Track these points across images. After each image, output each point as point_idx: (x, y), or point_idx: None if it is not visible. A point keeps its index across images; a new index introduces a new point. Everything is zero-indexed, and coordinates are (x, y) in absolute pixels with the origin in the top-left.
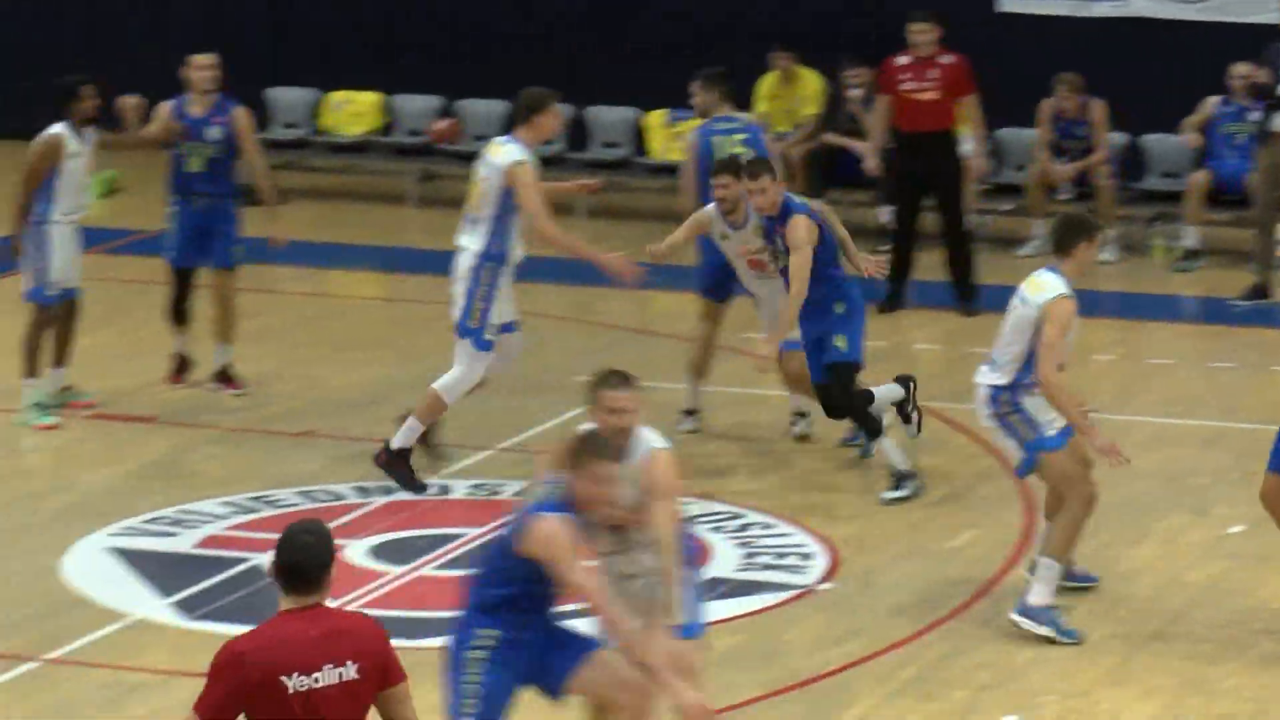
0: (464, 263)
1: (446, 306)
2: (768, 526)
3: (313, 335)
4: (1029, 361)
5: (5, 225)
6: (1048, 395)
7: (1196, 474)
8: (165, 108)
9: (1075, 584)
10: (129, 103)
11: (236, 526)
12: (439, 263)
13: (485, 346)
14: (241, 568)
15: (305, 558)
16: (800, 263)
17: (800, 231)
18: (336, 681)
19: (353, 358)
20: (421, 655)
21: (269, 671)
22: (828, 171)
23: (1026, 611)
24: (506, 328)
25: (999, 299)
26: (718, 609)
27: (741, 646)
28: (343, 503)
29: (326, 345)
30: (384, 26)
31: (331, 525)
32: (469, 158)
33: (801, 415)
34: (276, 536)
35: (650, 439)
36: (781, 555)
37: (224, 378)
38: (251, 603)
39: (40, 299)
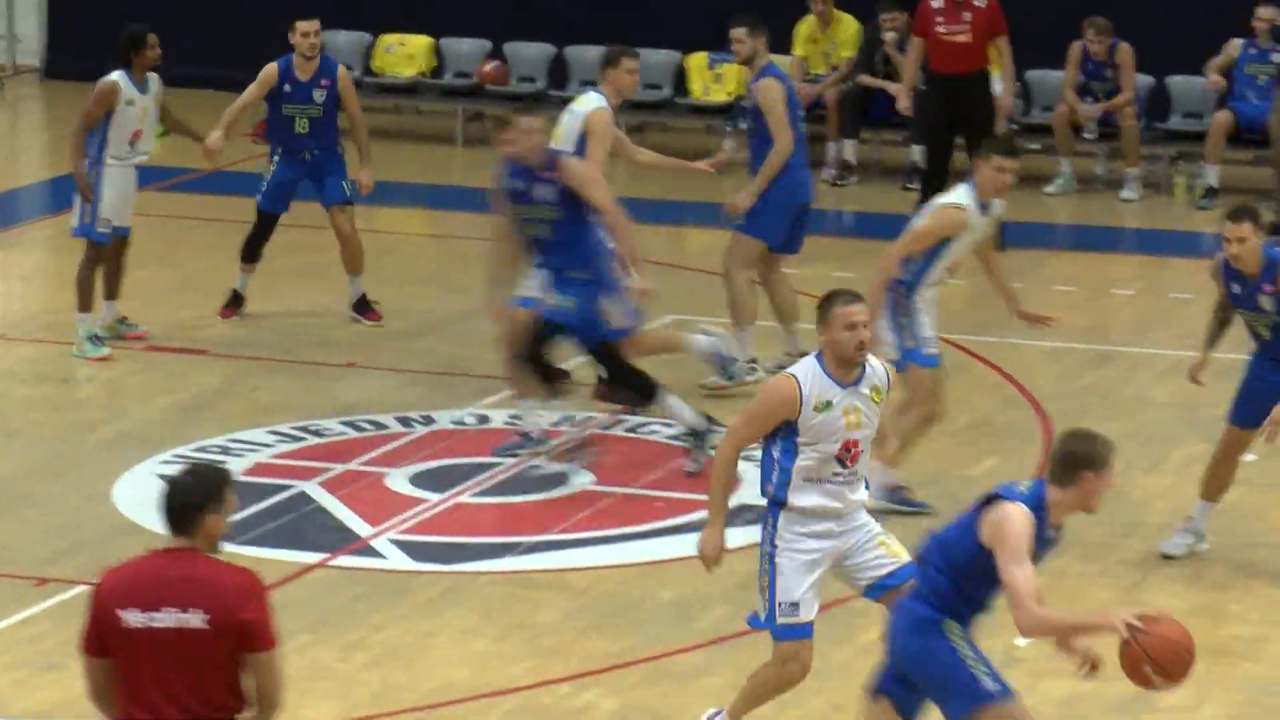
0: None
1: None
2: None
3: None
4: (927, 264)
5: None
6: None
7: (1212, 405)
8: (271, 70)
9: (908, 508)
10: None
11: (282, 455)
12: (484, 200)
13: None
14: (286, 494)
15: (179, 497)
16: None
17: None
18: (175, 626)
19: (401, 292)
20: (459, 579)
21: (109, 603)
22: (863, 112)
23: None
24: None
25: (1025, 235)
26: (741, 535)
27: None
28: (384, 432)
29: (375, 279)
30: None
31: (375, 453)
32: (515, 98)
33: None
34: (322, 465)
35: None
36: None
37: (362, 307)
38: (293, 528)
39: (92, 236)
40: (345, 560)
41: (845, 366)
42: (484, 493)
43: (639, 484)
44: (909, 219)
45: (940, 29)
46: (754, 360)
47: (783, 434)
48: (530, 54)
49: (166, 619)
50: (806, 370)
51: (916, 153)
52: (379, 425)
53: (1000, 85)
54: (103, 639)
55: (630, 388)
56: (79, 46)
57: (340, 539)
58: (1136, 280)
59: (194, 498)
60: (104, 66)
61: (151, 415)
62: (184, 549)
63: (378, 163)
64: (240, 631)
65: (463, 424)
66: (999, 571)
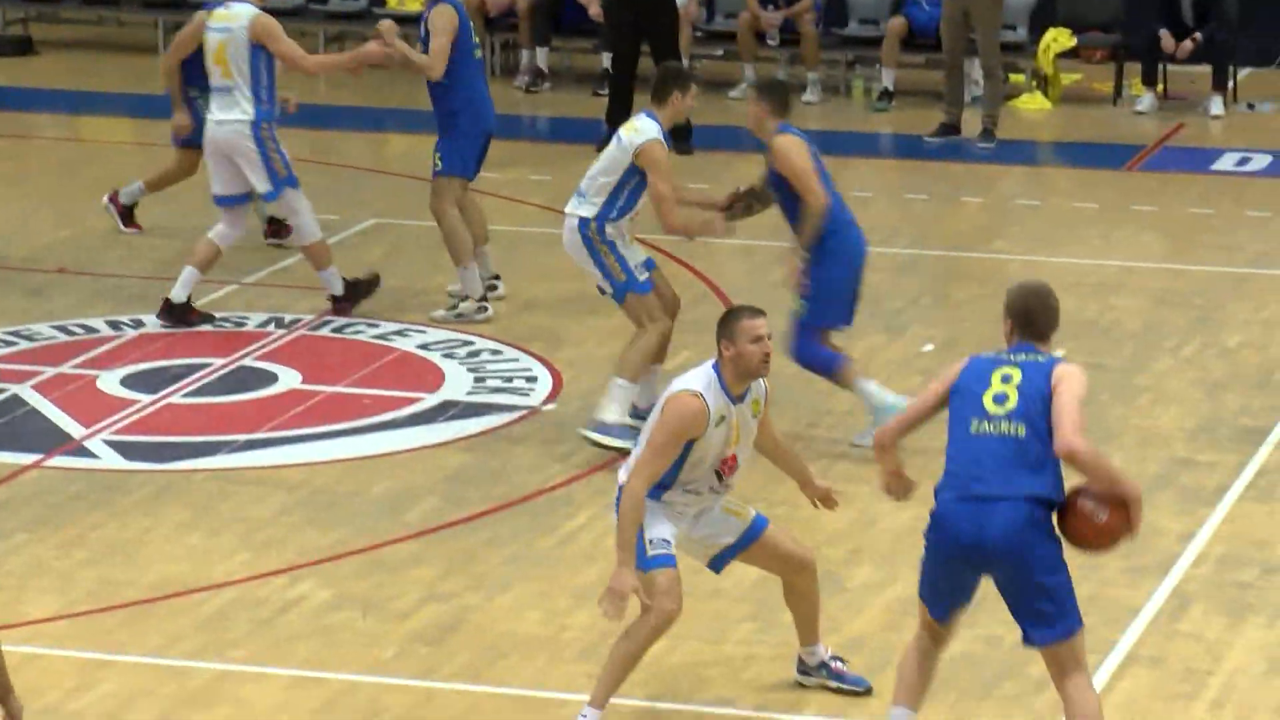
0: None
1: None
2: (496, 353)
3: (68, 179)
4: (614, 196)
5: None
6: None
7: (892, 298)
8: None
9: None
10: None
11: None
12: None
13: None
14: (1, 397)
15: None
16: None
17: None
18: None
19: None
20: (172, 478)
21: None
22: (554, 19)
23: (601, 428)
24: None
25: (711, 138)
26: (448, 430)
27: (472, 464)
28: (95, 336)
29: (80, 189)
30: None
31: (86, 356)
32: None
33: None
34: (34, 368)
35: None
36: (508, 379)
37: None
38: (7, 430)
39: None
40: (60, 461)
41: (744, 380)
42: (194, 394)
43: (345, 382)
44: (600, 124)
45: None
46: (496, 277)
47: None
48: None
49: None
50: (708, 384)
51: (606, 59)
52: (89, 329)
53: None
54: None
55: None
56: None
57: (54, 440)
58: None
59: None
60: None
61: None
62: None
63: (80, 73)
64: None
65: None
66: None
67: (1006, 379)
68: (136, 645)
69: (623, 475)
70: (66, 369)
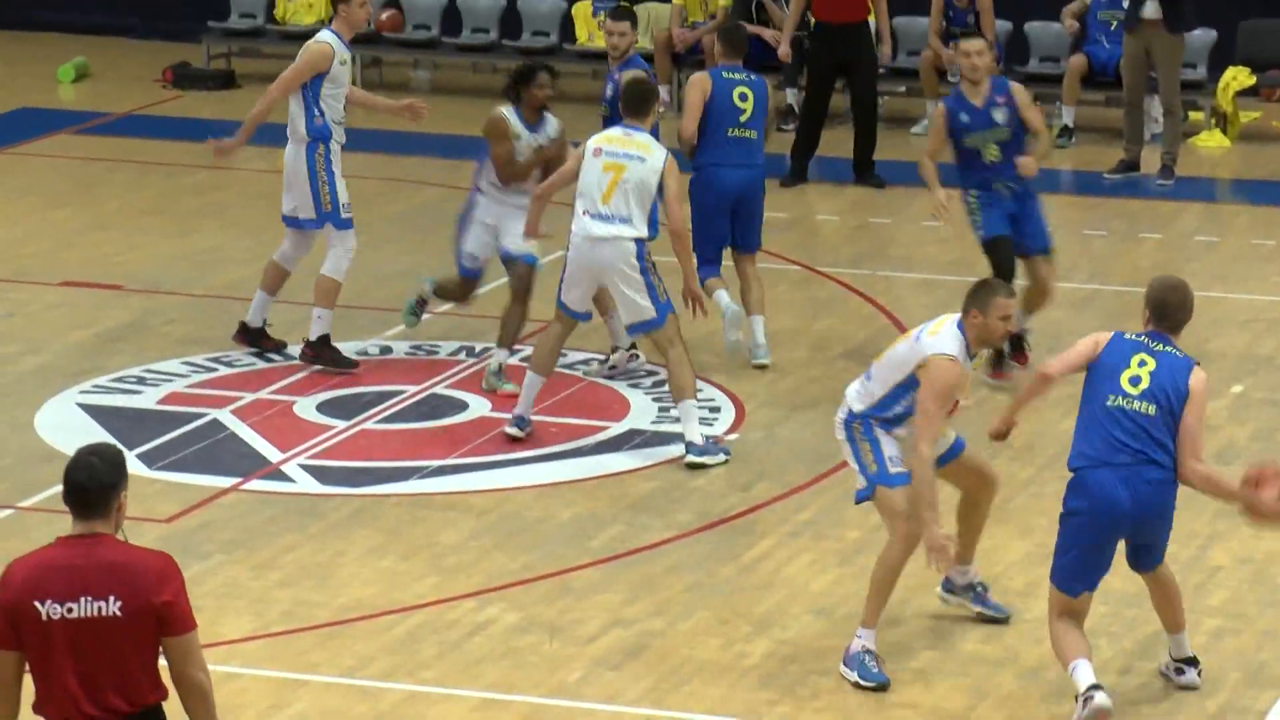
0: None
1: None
2: None
3: (268, 210)
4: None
5: None
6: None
7: (1071, 333)
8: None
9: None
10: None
11: (196, 384)
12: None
13: (348, 225)
14: (199, 423)
15: (87, 479)
16: None
17: None
18: (94, 615)
19: None
20: (365, 502)
21: (24, 594)
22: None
23: (696, 450)
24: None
25: (897, 174)
26: (633, 458)
27: (656, 492)
28: (293, 363)
29: (279, 219)
30: None
31: (284, 383)
32: (410, 45)
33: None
34: (234, 394)
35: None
36: None
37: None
38: (207, 455)
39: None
40: (257, 484)
41: (980, 346)
42: (387, 420)
43: (534, 410)
44: (783, 159)
45: None
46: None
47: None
48: (424, 3)
49: (85, 609)
50: (959, 348)
51: (790, 95)
52: (287, 356)
53: (878, 33)
54: (16, 631)
55: None
56: None
57: (252, 464)
58: None
59: (107, 478)
60: (15, 15)
61: (70, 348)
62: (93, 535)
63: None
64: (158, 616)
65: (366, 354)
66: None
67: (1143, 364)
68: (329, 666)
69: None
70: (265, 395)
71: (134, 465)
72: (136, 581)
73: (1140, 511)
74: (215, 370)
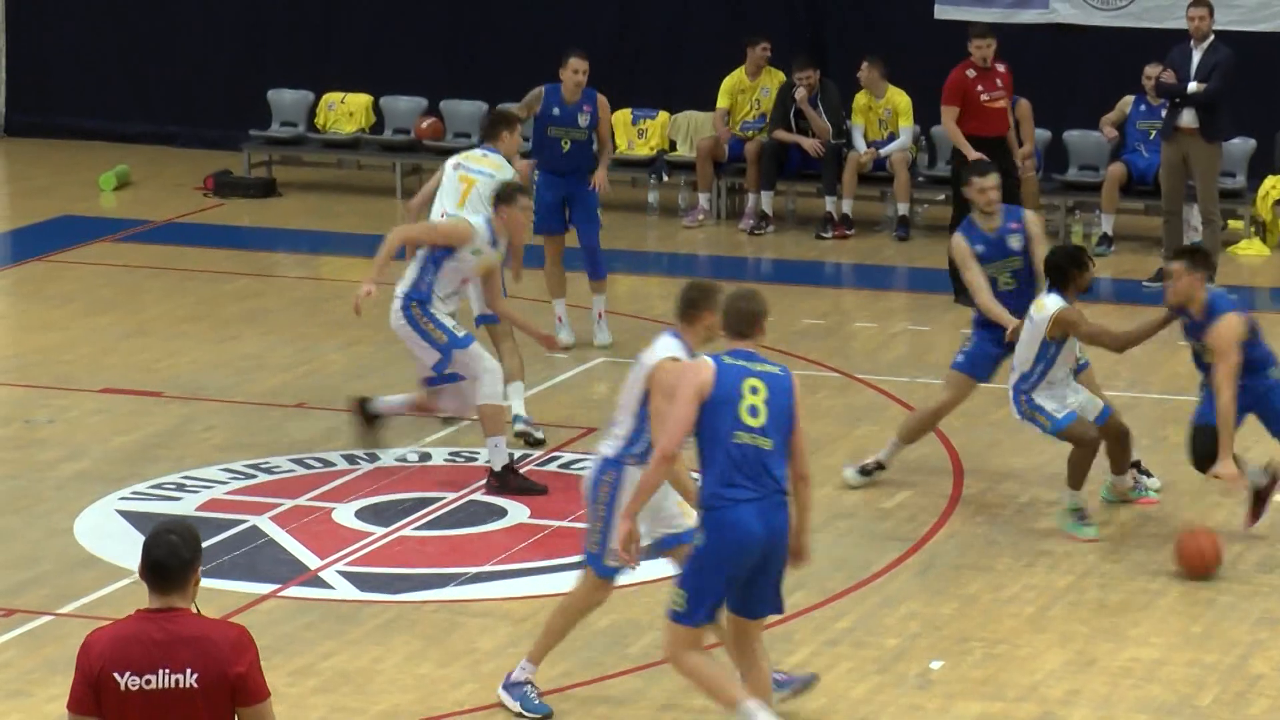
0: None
1: None
2: None
3: (307, 316)
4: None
5: None
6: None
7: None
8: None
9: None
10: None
11: (235, 491)
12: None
13: (466, 341)
14: (238, 529)
15: (166, 555)
16: None
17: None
18: (171, 687)
19: (343, 336)
20: (403, 608)
21: (105, 666)
22: (779, 164)
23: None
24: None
25: (929, 281)
26: (668, 565)
27: None
28: (332, 469)
29: (319, 325)
30: (372, 33)
31: (323, 489)
32: (450, 152)
33: None
34: (273, 500)
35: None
36: None
37: None
38: (246, 561)
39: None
40: (296, 591)
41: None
42: (426, 526)
43: (571, 516)
44: (822, 266)
45: (983, 96)
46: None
47: None
48: (465, 110)
49: (162, 681)
50: (680, 349)
51: (829, 202)
52: (326, 463)
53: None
54: (97, 700)
55: None
56: (36, 104)
57: (291, 570)
58: None
59: (185, 555)
60: (60, 123)
61: (110, 454)
62: (171, 610)
63: (322, 214)
64: (233, 687)
65: (405, 461)
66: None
67: (755, 390)
68: None
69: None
70: (303, 501)
71: None
72: (213, 653)
73: (770, 542)
74: (254, 477)
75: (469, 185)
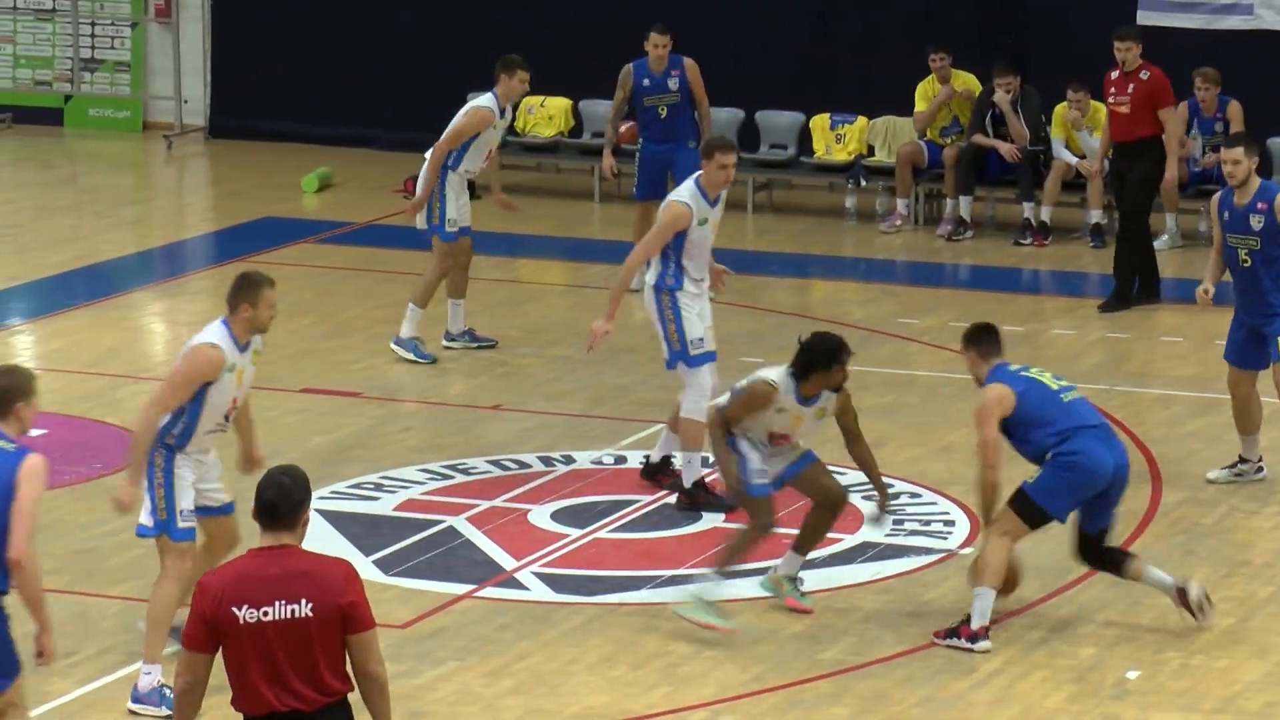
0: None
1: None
2: (915, 495)
3: (506, 319)
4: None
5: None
6: None
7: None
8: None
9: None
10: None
11: (432, 492)
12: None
13: (696, 361)
14: (435, 529)
15: (278, 495)
16: None
17: None
18: (287, 618)
19: (538, 339)
20: (598, 610)
21: (222, 601)
22: (978, 170)
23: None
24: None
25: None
26: (866, 571)
27: (888, 606)
28: (527, 471)
29: (515, 327)
30: (570, 38)
31: (518, 491)
32: None
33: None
34: (469, 501)
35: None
36: (926, 522)
37: None
38: (443, 561)
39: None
40: (491, 592)
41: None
42: (621, 529)
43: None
44: (1019, 272)
45: (1111, 100)
46: None
47: None
48: (781, 122)
49: (278, 612)
50: (223, 338)
51: (1027, 208)
52: (522, 464)
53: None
54: (215, 634)
55: None
56: (240, 108)
57: (486, 571)
58: (1186, 328)
59: (296, 495)
60: (263, 126)
61: (308, 454)
62: (281, 546)
63: (518, 217)
64: (344, 615)
65: (600, 464)
66: None
67: None
68: None
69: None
70: (500, 502)
71: (370, 571)
72: (325, 585)
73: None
74: (451, 478)
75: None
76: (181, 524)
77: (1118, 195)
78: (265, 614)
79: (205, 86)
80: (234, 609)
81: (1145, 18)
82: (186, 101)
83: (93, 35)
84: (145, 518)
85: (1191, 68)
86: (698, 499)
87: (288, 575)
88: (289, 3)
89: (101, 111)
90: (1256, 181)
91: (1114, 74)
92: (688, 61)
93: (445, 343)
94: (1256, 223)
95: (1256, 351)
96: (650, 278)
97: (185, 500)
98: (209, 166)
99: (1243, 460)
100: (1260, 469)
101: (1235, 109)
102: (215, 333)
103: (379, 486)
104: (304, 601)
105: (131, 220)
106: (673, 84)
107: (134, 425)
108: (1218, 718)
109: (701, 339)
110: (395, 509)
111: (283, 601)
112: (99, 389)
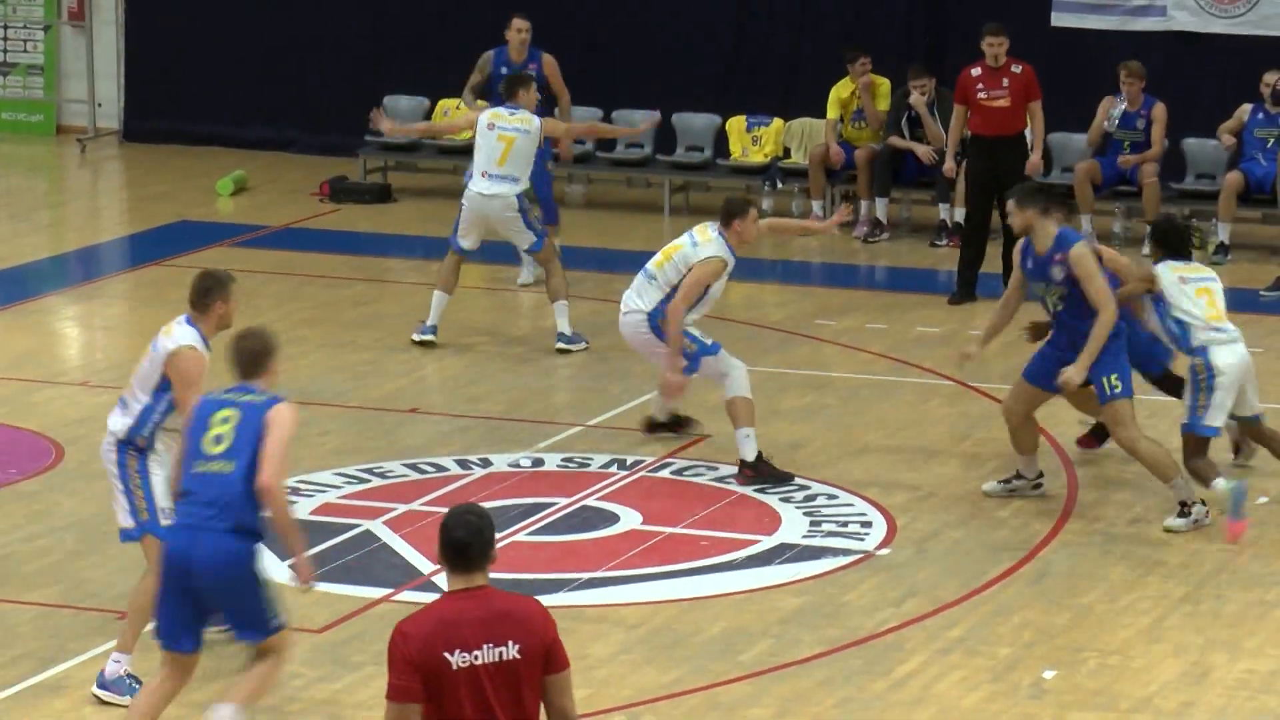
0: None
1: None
2: (832, 497)
3: (421, 321)
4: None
5: None
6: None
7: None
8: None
9: None
10: None
11: (349, 495)
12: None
13: (713, 349)
14: (353, 533)
15: (469, 535)
16: None
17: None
18: (497, 660)
19: (457, 343)
20: None
21: (431, 647)
22: (894, 172)
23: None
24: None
25: None
26: (784, 572)
27: (806, 607)
28: (445, 474)
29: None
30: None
31: (432, 495)
32: (683, 167)
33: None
34: (386, 505)
35: None
36: (844, 523)
37: None
38: (362, 565)
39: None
40: (409, 595)
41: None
42: (538, 532)
43: (684, 523)
44: (936, 274)
45: (981, 95)
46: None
47: None
48: (697, 124)
49: (488, 655)
50: (195, 338)
51: (943, 210)
52: (439, 468)
53: (1033, 147)
54: (426, 684)
55: None
56: (155, 111)
57: (404, 575)
58: None
59: (488, 534)
60: (177, 129)
61: None
62: (479, 588)
63: (436, 219)
64: (548, 655)
65: (518, 467)
66: None
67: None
68: None
69: None
70: (416, 506)
71: (287, 576)
72: (529, 625)
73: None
74: (368, 481)
75: (509, 144)
76: (164, 521)
77: (979, 188)
78: (476, 658)
79: (119, 90)
80: (445, 654)
81: (1060, 19)
82: (100, 105)
83: (5, 39)
84: (126, 521)
85: (1106, 69)
86: (761, 471)
87: (492, 617)
88: (203, 5)
89: (15, 115)
90: (1053, 230)
91: (976, 70)
92: (546, 56)
93: (417, 337)
94: (1059, 273)
95: (1052, 377)
96: (645, 305)
97: (163, 498)
98: (123, 170)
99: (1019, 476)
100: (1038, 485)
101: (1160, 111)
102: (188, 334)
103: (295, 491)
104: (511, 643)
105: (46, 224)
106: (529, 74)
107: (274, 508)
108: (1134, 717)
109: (708, 337)
110: (312, 513)
111: (490, 644)
112: (13, 393)
